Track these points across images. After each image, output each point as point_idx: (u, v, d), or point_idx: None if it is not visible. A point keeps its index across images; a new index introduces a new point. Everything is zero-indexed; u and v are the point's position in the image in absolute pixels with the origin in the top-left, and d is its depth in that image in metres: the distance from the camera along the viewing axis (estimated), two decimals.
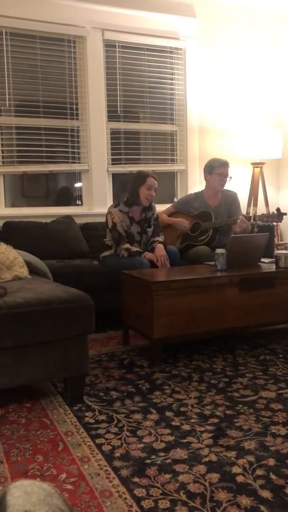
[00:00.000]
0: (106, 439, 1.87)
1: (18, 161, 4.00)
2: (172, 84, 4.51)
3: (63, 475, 1.62)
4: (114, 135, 4.34)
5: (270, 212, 3.47)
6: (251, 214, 3.55)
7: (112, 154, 4.32)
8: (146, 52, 4.35)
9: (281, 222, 3.51)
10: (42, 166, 4.07)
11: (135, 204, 3.42)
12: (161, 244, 3.40)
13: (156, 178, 3.42)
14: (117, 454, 1.75)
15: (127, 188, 3.56)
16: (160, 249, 3.34)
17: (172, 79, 4.50)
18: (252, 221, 3.43)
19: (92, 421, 2.02)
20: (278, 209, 3.40)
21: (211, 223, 3.61)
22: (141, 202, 3.40)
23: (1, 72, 3.84)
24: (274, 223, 3.62)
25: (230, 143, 4.65)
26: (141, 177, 3.39)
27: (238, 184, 4.35)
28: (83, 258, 3.77)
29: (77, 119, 4.19)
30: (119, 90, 4.29)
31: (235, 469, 1.63)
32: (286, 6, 4.67)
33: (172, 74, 4.50)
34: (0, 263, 2.62)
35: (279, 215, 3.39)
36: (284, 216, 3.43)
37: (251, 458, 1.70)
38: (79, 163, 4.21)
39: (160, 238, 3.48)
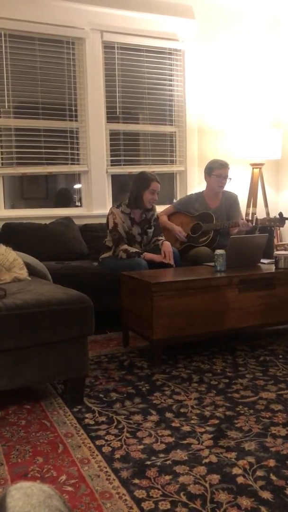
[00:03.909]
0: (106, 440, 1.86)
1: (17, 163, 4.00)
2: (171, 85, 4.51)
3: (63, 477, 1.61)
4: (113, 136, 4.34)
5: (270, 213, 3.45)
6: (251, 217, 3.53)
7: (112, 156, 4.32)
8: (145, 54, 4.35)
9: (283, 226, 3.48)
10: (41, 167, 4.07)
11: (138, 208, 3.42)
12: (167, 241, 3.43)
13: (159, 181, 3.41)
14: (117, 456, 1.75)
15: (127, 190, 3.55)
16: (167, 245, 3.36)
17: (171, 80, 4.50)
18: (253, 224, 3.40)
19: (92, 422, 2.02)
20: (280, 214, 3.36)
21: (212, 225, 3.61)
22: (145, 205, 3.39)
23: (0, 73, 3.84)
24: (276, 227, 3.57)
25: (229, 144, 4.65)
26: (145, 181, 3.36)
27: (237, 185, 4.34)
28: (83, 259, 3.77)
29: (76, 120, 4.19)
30: (118, 91, 4.29)
31: (236, 470, 1.63)
32: (285, 7, 4.68)
33: (171, 75, 4.50)
34: None
35: (281, 219, 3.35)
36: (286, 221, 3.40)
37: (251, 459, 1.70)
38: (78, 164, 4.21)
39: (162, 239, 3.49)
